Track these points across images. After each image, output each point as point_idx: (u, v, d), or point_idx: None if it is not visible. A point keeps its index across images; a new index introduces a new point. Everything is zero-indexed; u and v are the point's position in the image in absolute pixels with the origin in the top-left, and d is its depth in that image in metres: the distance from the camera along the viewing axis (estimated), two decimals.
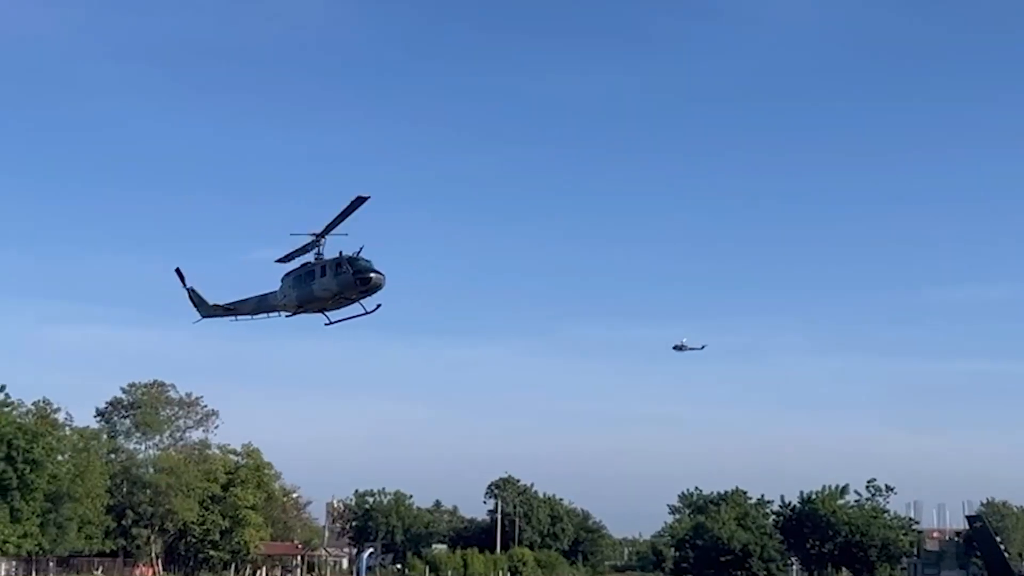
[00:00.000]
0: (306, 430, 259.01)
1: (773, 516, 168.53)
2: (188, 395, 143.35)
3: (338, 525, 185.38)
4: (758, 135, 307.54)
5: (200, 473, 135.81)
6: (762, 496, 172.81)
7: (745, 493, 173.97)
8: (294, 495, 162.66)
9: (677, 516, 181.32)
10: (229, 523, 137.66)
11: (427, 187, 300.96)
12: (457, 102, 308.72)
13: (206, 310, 68.95)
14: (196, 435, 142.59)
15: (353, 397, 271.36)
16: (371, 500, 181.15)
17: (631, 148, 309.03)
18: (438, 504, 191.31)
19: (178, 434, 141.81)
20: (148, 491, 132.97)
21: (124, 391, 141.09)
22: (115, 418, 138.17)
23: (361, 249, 62.56)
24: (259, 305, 66.92)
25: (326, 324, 64.35)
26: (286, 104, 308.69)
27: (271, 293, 66.31)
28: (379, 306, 62.77)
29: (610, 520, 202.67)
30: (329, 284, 62.32)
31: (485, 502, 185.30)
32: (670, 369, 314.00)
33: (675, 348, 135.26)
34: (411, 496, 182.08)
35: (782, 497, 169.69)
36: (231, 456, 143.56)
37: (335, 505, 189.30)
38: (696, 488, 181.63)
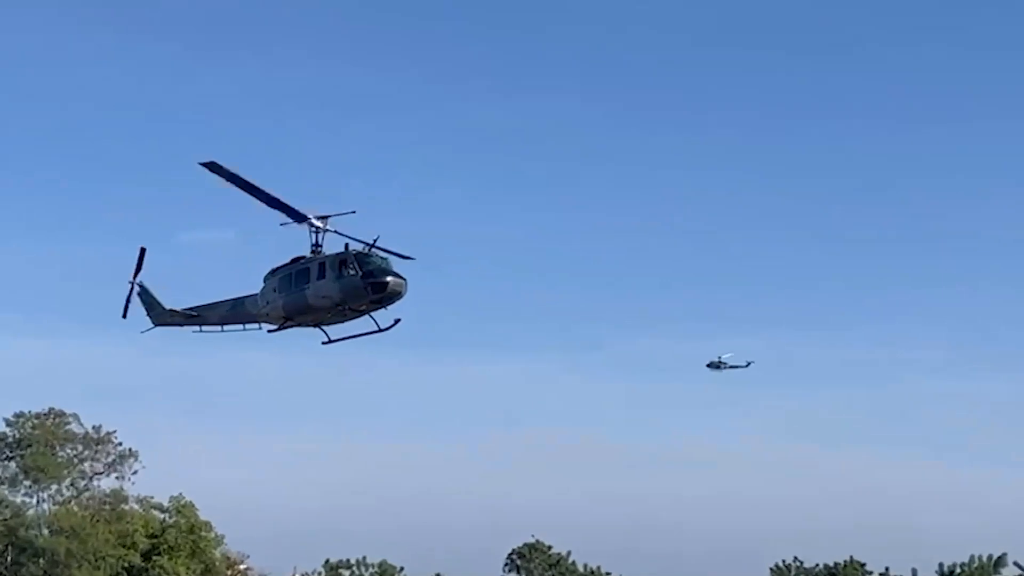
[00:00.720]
0: (259, 477, 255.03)
1: None
2: (96, 429, 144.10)
3: None
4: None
5: (113, 536, 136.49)
6: (886, 570, 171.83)
7: (863, 566, 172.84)
8: (242, 567, 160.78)
9: None
10: None
11: (435, 147, 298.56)
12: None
13: (159, 316, 70.19)
14: (108, 484, 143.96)
15: (325, 432, 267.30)
16: (347, 574, 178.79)
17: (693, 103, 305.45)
18: None
19: (82, 482, 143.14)
20: (41, 561, 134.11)
21: (7, 423, 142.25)
22: None
23: (375, 241, 62.26)
24: (232, 313, 67.87)
25: (324, 343, 64.79)
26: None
27: (249, 297, 67.22)
28: (398, 321, 62.82)
29: None
30: (329, 289, 62.65)
31: None
32: (754, 394, 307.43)
33: (710, 366, 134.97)
34: (402, 569, 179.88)
35: (914, 572, 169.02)
36: (155, 513, 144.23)
37: None
38: (795, 559, 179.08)
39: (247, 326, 67.66)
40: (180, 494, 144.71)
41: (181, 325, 69.94)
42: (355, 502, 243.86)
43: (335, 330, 63.99)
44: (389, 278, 61.70)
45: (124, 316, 72.28)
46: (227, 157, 60.62)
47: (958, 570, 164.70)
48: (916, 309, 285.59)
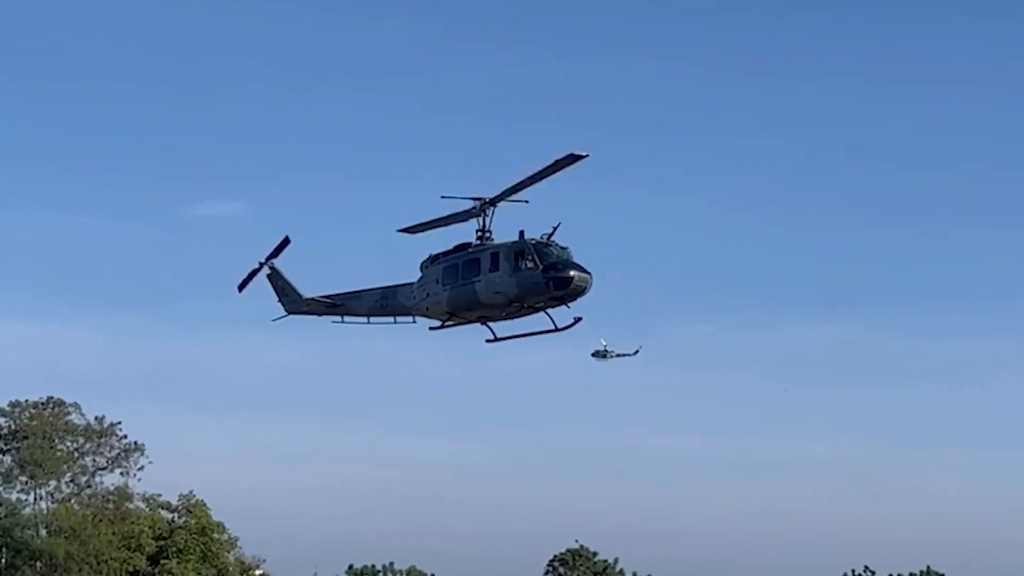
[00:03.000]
0: (276, 475, 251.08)
1: None
2: (99, 420, 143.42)
3: None
4: None
5: (117, 538, 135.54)
6: None
7: None
8: (258, 571, 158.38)
9: None
10: None
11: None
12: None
13: (294, 304, 69.83)
14: (111, 480, 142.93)
15: (349, 427, 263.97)
16: None
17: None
18: None
19: (84, 478, 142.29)
20: (39, 564, 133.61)
21: (3, 413, 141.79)
22: None
23: (555, 230, 60.23)
24: (382, 304, 66.74)
25: (488, 341, 64.07)
26: None
27: (403, 287, 65.93)
28: (578, 320, 61.38)
29: None
30: (504, 284, 60.77)
31: None
32: (825, 390, 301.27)
33: (595, 355, 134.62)
34: (432, 575, 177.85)
35: None
36: (163, 512, 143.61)
37: None
38: (867, 569, 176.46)
39: (398, 319, 66.56)
40: (190, 492, 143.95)
41: (319, 315, 69.24)
42: (381, 504, 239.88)
43: (502, 327, 63.04)
44: (573, 272, 59.43)
45: (240, 290, 72.14)
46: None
47: None
48: (1007, 302, 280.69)
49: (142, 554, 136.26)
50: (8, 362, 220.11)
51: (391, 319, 67.04)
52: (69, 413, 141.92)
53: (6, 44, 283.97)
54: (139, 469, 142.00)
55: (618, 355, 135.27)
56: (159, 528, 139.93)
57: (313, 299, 69.14)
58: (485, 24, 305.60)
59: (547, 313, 61.63)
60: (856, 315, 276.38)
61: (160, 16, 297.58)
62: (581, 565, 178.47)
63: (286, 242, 70.53)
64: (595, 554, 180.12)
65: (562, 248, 60.34)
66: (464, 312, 62.93)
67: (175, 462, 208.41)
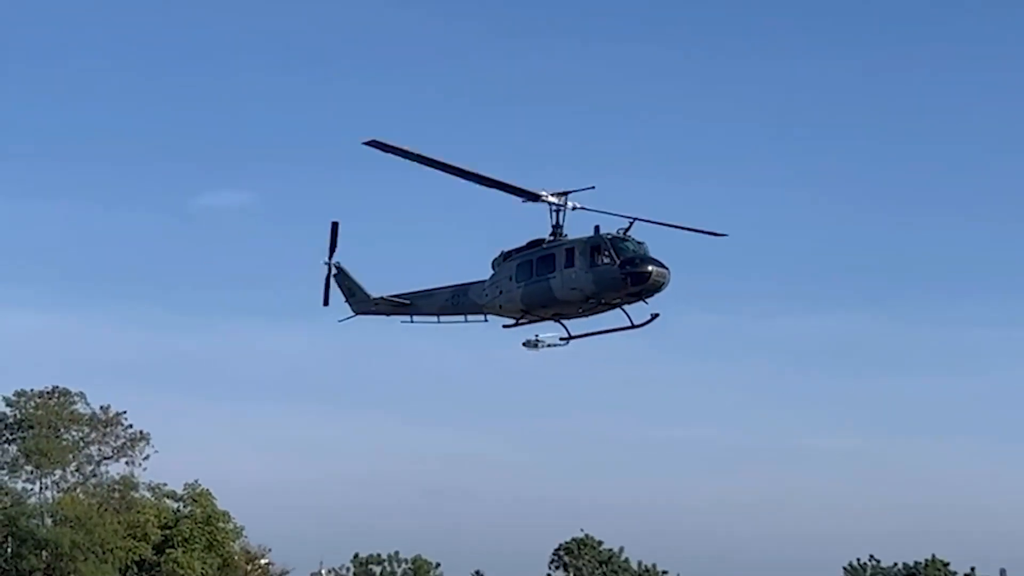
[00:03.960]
0: (281, 465, 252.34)
1: None
2: (104, 409, 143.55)
3: None
4: None
5: (122, 527, 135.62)
6: (972, 571, 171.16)
7: (946, 565, 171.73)
8: (263, 561, 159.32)
9: None
10: None
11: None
12: None
13: (362, 304, 69.22)
14: (116, 469, 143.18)
15: (355, 416, 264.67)
16: (378, 570, 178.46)
17: None
18: None
19: (89, 468, 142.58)
20: (44, 553, 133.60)
21: (8, 403, 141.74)
22: None
23: (631, 225, 59.72)
24: (453, 302, 66.23)
25: (562, 339, 64.08)
26: None
27: (474, 285, 65.40)
28: (655, 316, 60.70)
29: None
30: (580, 280, 60.16)
31: (550, 574, 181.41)
32: (831, 380, 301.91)
33: (526, 345, 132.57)
34: (438, 565, 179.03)
35: (1003, 572, 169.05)
36: (169, 502, 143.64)
37: None
38: (871, 558, 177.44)
39: (469, 318, 66.01)
40: (196, 481, 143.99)
41: (388, 314, 68.61)
42: (386, 493, 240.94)
43: (577, 325, 62.73)
44: (651, 267, 58.91)
45: (325, 303, 70.74)
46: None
47: None
48: (1008, 289, 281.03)
49: (147, 543, 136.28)
50: (14, 351, 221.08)
51: (462, 318, 66.42)
52: (74, 402, 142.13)
53: (14, 33, 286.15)
54: (144, 458, 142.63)
55: (549, 344, 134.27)
56: (164, 517, 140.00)
57: (382, 298, 68.55)
58: (502, 14, 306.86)
59: (623, 310, 61.13)
60: (861, 304, 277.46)
61: (169, 5, 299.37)
62: (586, 554, 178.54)
63: (335, 228, 69.69)
64: (600, 543, 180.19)
65: (639, 243, 59.84)
66: (539, 309, 62.57)
67: (181, 451, 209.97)
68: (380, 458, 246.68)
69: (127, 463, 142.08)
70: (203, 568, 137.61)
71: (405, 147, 60.28)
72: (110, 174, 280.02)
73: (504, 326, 64.87)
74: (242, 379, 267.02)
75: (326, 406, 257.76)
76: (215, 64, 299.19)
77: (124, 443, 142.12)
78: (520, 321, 63.93)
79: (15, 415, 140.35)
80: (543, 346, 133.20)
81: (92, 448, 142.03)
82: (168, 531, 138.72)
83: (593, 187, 60.53)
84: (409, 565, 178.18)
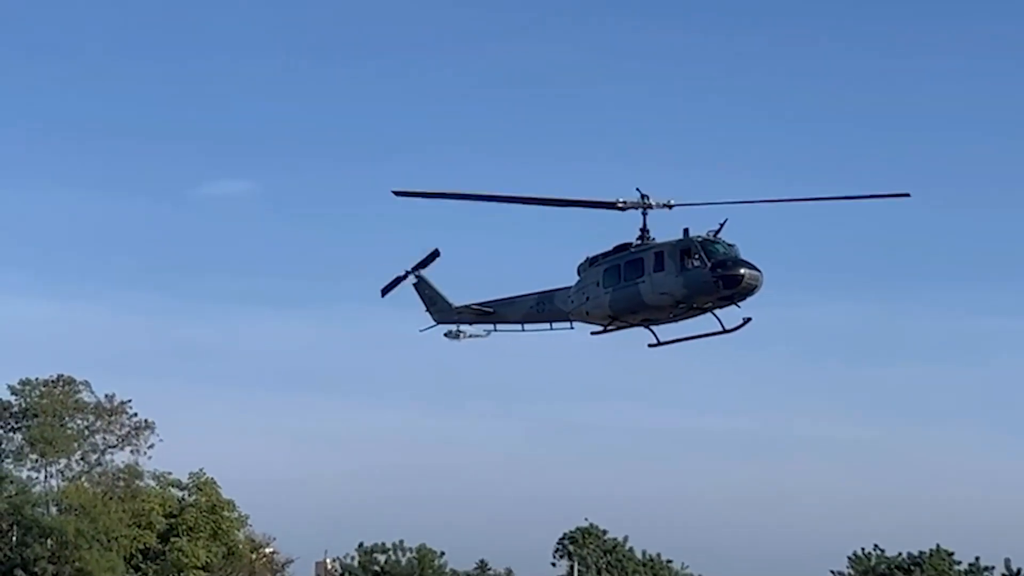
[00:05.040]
0: (286, 454, 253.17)
1: None
2: (109, 398, 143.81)
3: None
4: None
5: (127, 515, 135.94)
6: (976, 560, 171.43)
7: (951, 555, 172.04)
8: (268, 549, 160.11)
9: None
10: None
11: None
12: None
13: (444, 314, 69.16)
14: (121, 458, 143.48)
15: (360, 405, 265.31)
16: (382, 559, 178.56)
17: None
18: (483, 566, 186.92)
19: (94, 456, 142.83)
20: (49, 541, 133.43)
21: (13, 391, 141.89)
22: None
23: (721, 227, 58.64)
24: (538, 310, 65.55)
25: (651, 346, 62.45)
26: None
27: (559, 291, 64.45)
28: (748, 320, 59.86)
29: None
30: (670, 284, 59.31)
31: (555, 564, 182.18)
32: (837, 370, 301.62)
33: (447, 336, 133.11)
34: (442, 554, 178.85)
35: (1007, 561, 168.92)
36: (173, 490, 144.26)
37: (329, 565, 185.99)
38: (876, 548, 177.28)
39: (554, 325, 65.20)
40: (200, 470, 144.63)
41: (471, 323, 68.50)
42: (391, 482, 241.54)
43: (666, 331, 61.41)
44: (743, 270, 57.73)
45: (383, 295, 71.64)
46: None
47: None
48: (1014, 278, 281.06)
49: (152, 532, 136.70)
50: (18, 340, 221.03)
51: (547, 325, 65.66)
52: (79, 391, 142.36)
53: (16, 22, 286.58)
54: (149, 447, 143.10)
55: (470, 336, 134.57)
56: (169, 506, 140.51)
57: (465, 307, 68.12)
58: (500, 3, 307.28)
59: (714, 314, 60.07)
60: (866, 294, 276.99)
61: None
62: (591, 543, 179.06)
63: (435, 254, 69.80)
64: (605, 532, 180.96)
65: (729, 244, 58.69)
66: (627, 315, 61.24)
67: (185, 440, 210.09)
68: (385, 447, 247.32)
69: (132, 452, 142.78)
70: (208, 556, 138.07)
71: (434, 191, 61.20)
72: (113, 163, 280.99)
73: (592, 333, 63.89)
74: (247, 368, 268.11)
75: (331, 395, 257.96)
76: (216, 52, 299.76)
77: (129, 432, 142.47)
78: (608, 328, 62.77)
79: (20, 404, 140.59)
80: (465, 337, 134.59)
81: (97, 437, 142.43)
82: (173, 520, 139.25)
83: (671, 202, 60.27)
84: (413, 554, 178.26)
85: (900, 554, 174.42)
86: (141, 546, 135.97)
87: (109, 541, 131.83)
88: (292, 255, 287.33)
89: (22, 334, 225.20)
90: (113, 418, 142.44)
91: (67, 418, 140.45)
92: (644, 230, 60.71)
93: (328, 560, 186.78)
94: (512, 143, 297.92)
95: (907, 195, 64.21)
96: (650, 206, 60.56)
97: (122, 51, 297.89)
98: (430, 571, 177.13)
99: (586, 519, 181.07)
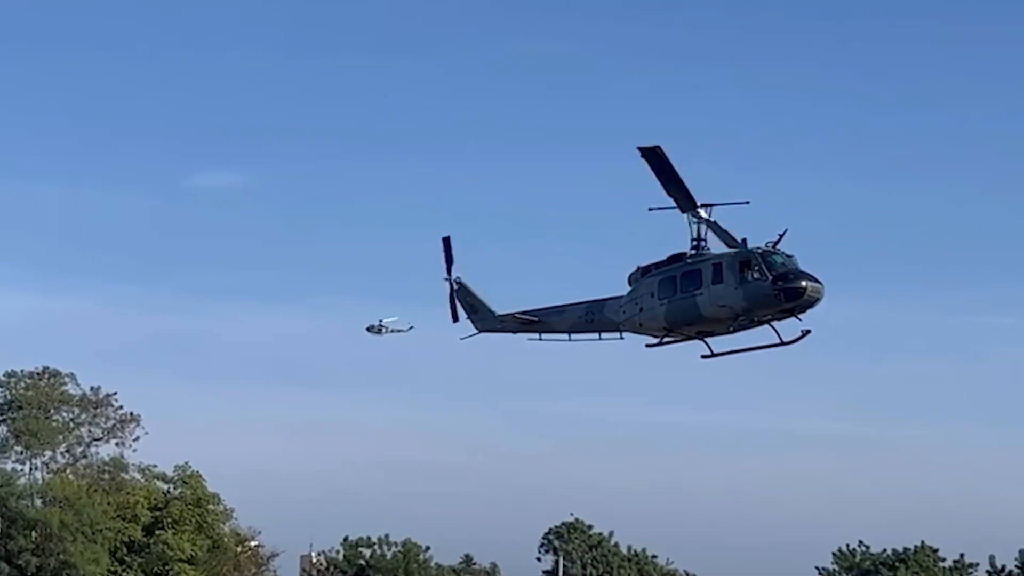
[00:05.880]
0: (272, 447, 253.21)
1: None
2: (95, 391, 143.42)
3: None
4: None
5: (112, 508, 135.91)
6: (961, 557, 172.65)
7: (936, 552, 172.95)
8: (253, 543, 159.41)
9: None
10: None
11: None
12: None
13: (487, 321, 67.89)
14: (107, 451, 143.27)
15: (345, 398, 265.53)
16: (368, 553, 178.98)
17: None
18: (468, 561, 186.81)
19: (79, 449, 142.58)
20: (33, 533, 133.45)
21: None
22: None
23: (780, 238, 57.84)
24: (587, 319, 64.57)
25: (704, 357, 61.61)
26: None
27: (610, 301, 63.88)
28: (807, 333, 59.05)
29: None
30: (730, 297, 58.62)
31: (540, 558, 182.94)
32: (823, 365, 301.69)
33: (369, 330, 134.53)
34: (427, 548, 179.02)
35: (991, 558, 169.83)
36: (159, 483, 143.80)
37: (314, 559, 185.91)
38: (861, 544, 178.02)
39: (603, 335, 64.32)
40: (186, 463, 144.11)
41: (515, 332, 67.12)
42: (376, 476, 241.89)
43: (721, 343, 60.90)
44: (805, 282, 57.25)
45: (454, 319, 70.33)
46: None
47: None
48: (999, 272, 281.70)
49: (137, 524, 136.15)
50: (4, 332, 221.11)
51: (595, 335, 64.71)
52: (65, 383, 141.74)
53: (6, 13, 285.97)
54: (135, 440, 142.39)
55: (392, 331, 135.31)
56: (154, 499, 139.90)
57: (510, 316, 67.07)
58: None
59: (772, 326, 59.43)
60: (855, 289, 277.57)
61: None
62: (576, 538, 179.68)
63: (447, 242, 68.91)
64: (590, 527, 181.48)
65: (788, 256, 58.12)
66: (683, 327, 60.57)
67: (171, 433, 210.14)
68: (370, 441, 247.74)
69: (117, 444, 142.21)
70: (193, 550, 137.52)
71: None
72: (102, 154, 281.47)
73: (647, 345, 63.05)
74: (233, 362, 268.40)
75: (318, 389, 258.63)
76: (208, 43, 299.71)
77: (114, 424, 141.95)
78: (664, 340, 62.06)
79: (5, 396, 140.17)
80: (387, 331, 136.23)
81: (82, 429, 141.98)
82: (158, 513, 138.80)
83: (747, 202, 59.48)
84: (399, 548, 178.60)
85: (885, 550, 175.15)
86: (126, 539, 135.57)
87: (94, 533, 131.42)
88: (281, 248, 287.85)
89: (8, 326, 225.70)
90: (98, 411, 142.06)
91: (52, 410, 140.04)
92: (698, 240, 60.15)
93: (313, 554, 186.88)
94: (506, 137, 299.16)
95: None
96: (707, 219, 59.92)
97: (111, 41, 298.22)
98: (415, 565, 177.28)
99: (571, 514, 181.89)
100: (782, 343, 59.68)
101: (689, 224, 60.28)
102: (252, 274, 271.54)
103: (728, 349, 61.44)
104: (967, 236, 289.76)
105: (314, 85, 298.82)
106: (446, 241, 68.84)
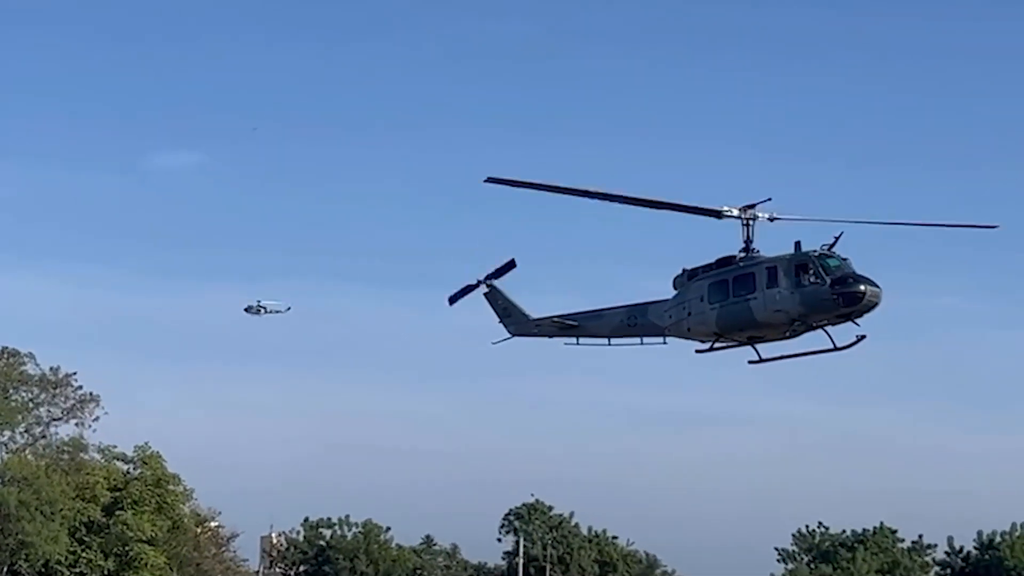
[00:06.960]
0: (232, 428, 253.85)
1: (936, 567, 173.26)
2: (54, 371, 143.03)
3: (278, 569, 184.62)
4: None
5: (72, 488, 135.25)
6: (919, 538, 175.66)
7: (894, 533, 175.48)
8: (213, 524, 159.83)
9: (791, 566, 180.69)
10: (114, 564, 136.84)
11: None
12: None
13: (521, 325, 66.50)
14: (66, 431, 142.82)
15: (305, 379, 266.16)
16: (328, 533, 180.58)
17: None
18: (429, 541, 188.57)
19: (38, 429, 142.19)
20: None
21: None
22: None
23: (836, 241, 56.52)
24: (629, 323, 62.90)
25: (752, 363, 59.98)
26: None
27: (653, 305, 62.11)
28: (862, 339, 57.72)
29: (688, 569, 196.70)
30: (786, 301, 57.07)
31: (500, 539, 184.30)
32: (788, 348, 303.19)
33: (247, 311, 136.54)
34: (388, 529, 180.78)
35: (950, 540, 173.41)
36: (118, 464, 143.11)
37: (275, 540, 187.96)
38: (820, 525, 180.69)
39: (645, 340, 62.63)
40: (146, 443, 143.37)
41: (551, 336, 65.46)
42: (336, 457, 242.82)
43: (770, 348, 59.44)
44: (864, 286, 56.00)
45: (451, 304, 69.78)
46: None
47: (998, 538, 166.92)
48: (953, 254, 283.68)
49: (97, 504, 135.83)
50: None
51: (636, 340, 63.10)
52: (24, 363, 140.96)
53: None
54: (94, 420, 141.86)
55: (269, 311, 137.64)
56: (114, 479, 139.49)
57: (547, 320, 65.54)
58: None
59: (826, 331, 58.03)
60: None
61: None
62: (537, 519, 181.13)
63: (511, 264, 67.69)
64: (551, 508, 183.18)
65: (843, 259, 56.88)
66: (735, 332, 59.00)
67: (131, 413, 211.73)
68: (330, 421, 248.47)
69: (77, 425, 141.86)
70: (153, 530, 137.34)
71: (527, 180, 58.82)
72: (61, 133, 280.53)
73: (697, 351, 61.25)
74: (193, 341, 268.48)
75: (276, 368, 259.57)
76: (172, 22, 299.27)
77: (74, 404, 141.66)
78: (714, 346, 60.39)
79: None
80: (265, 313, 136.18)
81: (41, 409, 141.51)
82: (118, 493, 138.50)
83: (769, 199, 58.17)
84: (359, 529, 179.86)
85: (844, 531, 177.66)
86: (85, 519, 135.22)
87: (53, 513, 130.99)
88: (241, 228, 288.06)
89: None
90: (58, 391, 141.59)
91: (11, 390, 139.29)
92: (748, 242, 58.79)
93: (274, 534, 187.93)
94: (468, 120, 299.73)
95: (995, 227, 64.78)
96: (755, 217, 58.69)
97: (73, 20, 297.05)
98: (375, 546, 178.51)
99: (532, 495, 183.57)
100: (835, 348, 58.49)
101: (742, 226, 59.20)
102: (212, 252, 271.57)
103: (778, 355, 60.11)
104: (926, 217, 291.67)
105: (271, 65, 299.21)
106: (510, 263, 67.91)
